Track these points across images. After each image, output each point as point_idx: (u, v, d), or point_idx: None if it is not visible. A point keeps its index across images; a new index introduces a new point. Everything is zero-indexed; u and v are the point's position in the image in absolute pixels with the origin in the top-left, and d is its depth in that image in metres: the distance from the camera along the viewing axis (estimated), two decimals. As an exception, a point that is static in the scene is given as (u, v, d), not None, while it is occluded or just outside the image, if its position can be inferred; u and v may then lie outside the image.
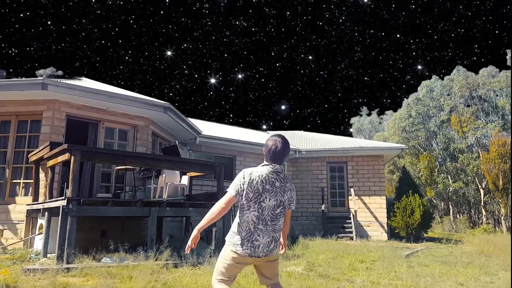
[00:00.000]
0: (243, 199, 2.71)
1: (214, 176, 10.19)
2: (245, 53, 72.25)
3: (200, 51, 68.38)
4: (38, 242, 7.69)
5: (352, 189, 15.49)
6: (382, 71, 69.37)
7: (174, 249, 7.08)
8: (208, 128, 15.34)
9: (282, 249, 3.00)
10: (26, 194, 8.86)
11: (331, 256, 8.08)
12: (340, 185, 16.32)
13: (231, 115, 68.12)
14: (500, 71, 30.53)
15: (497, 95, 29.36)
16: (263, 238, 2.73)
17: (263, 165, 2.83)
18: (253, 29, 68.30)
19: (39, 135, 8.87)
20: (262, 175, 2.75)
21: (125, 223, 8.90)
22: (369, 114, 47.27)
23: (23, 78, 8.83)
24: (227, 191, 2.77)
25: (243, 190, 2.71)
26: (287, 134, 20.93)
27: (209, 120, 22.30)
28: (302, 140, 18.60)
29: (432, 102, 32.49)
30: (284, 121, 66.86)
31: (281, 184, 2.80)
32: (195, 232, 2.76)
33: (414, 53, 66.37)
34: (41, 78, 8.72)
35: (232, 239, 2.77)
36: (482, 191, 27.73)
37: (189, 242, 2.78)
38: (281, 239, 2.96)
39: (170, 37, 67.98)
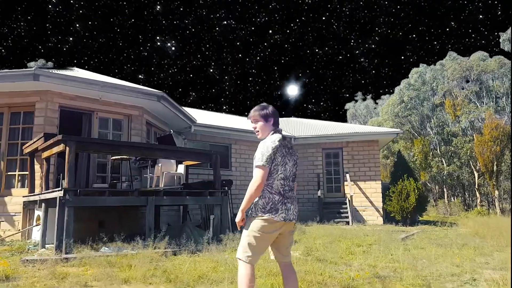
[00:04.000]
0: (273, 165, 2.83)
1: (210, 164, 10.21)
2: (237, 39, 71.74)
3: (195, 39, 67.84)
4: (36, 233, 7.71)
5: (347, 175, 15.65)
6: (378, 56, 69.24)
7: (172, 237, 7.12)
8: (202, 116, 15.30)
9: None
10: (22, 186, 8.85)
11: (328, 241, 8.17)
12: (336, 171, 16.43)
13: (224, 103, 67.96)
14: (490, 56, 30.77)
15: (491, 79, 29.49)
16: (291, 200, 2.89)
17: (272, 134, 2.98)
18: (246, 14, 67.78)
19: (32, 126, 8.82)
20: (281, 139, 2.90)
21: (123, 213, 8.93)
22: (364, 99, 47.35)
23: (14, 69, 8.73)
24: (257, 165, 2.79)
25: (274, 157, 2.82)
26: (281, 120, 20.93)
27: (203, 108, 22.20)
28: (297, 127, 18.65)
29: (423, 87, 32.71)
30: (280, 108, 66.72)
31: (290, 145, 3.04)
32: (240, 214, 2.82)
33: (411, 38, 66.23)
34: (33, 68, 8.65)
35: (264, 209, 2.80)
36: (476, 174, 28.02)
37: (238, 224, 2.85)
38: None
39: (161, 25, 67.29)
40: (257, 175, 2.77)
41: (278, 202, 2.81)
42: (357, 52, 70.50)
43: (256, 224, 2.80)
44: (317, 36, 70.66)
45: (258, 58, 73.12)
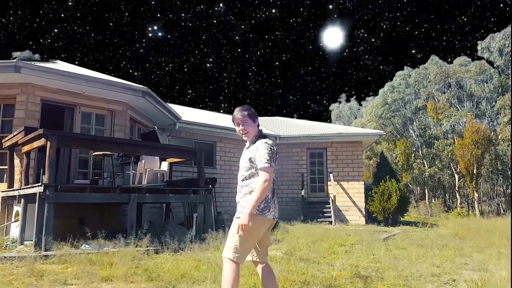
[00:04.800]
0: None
1: (195, 162, 10.17)
2: (222, 36, 71.48)
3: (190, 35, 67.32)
4: (15, 230, 7.56)
5: (331, 175, 15.79)
6: (361, 60, 69.82)
7: (155, 235, 7.06)
8: (187, 113, 15.21)
9: None
10: (0, 181, 8.65)
11: (311, 240, 8.22)
12: (320, 171, 16.57)
13: (209, 101, 67.70)
14: (472, 60, 31.50)
15: (472, 84, 30.06)
16: (276, 198, 2.96)
17: (261, 135, 3.03)
18: (229, 12, 67.55)
19: (12, 119, 8.62)
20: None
21: (104, 210, 8.81)
22: (348, 101, 47.98)
23: (-5, 61, 8.52)
24: (264, 166, 2.79)
25: (276, 157, 2.90)
26: (266, 120, 20.97)
27: (201, 108, 22.07)
28: (281, 126, 18.71)
29: (407, 89, 33.38)
30: (266, 107, 66.82)
31: None
32: (247, 217, 2.70)
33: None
34: (14, 60, 8.45)
35: (258, 207, 2.81)
36: (456, 176, 28.60)
37: (243, 226, 2.69)
38: None
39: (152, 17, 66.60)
40: (266, 175, 2.77)
41: (270, 201, 2.87)
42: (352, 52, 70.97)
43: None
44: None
45: (258, 55, 72.93)
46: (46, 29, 57.54)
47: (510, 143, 25.85)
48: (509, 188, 28.47)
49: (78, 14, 56.27)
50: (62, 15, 56.59)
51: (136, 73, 62.06)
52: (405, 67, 35.32)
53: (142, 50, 66.10)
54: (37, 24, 55.91)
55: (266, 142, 2.90)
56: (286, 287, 4.24)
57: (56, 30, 57.15)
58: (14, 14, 51.16)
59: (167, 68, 66.82)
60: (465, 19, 56.05)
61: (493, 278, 4.51)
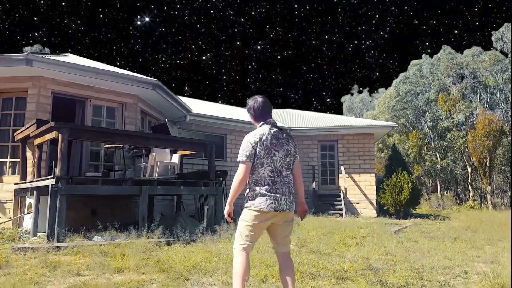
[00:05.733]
0: (256, 159, 2.90)
1: (205, 154, 10.19)
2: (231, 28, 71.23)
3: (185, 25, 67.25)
4: (28, 221, 7.68)
5: (342, 167, 15.74)
6: (376, 49, 69.09)
7: (166, 227, 7.12)
8: (198, 106, 15.24)
9: (305, 213, 3.19)
10: (13, 173, 8.79)
11: (322, 233, 8.22)
12: (331, 163, 16.51)
13: (219, 94, 67.66)
14: (484, 51, 30.76)
15: (488, 74, 29.45)
16: (283, 189, 2.93)
17: (260, 126, 3.04)
18: (228, 8, 67.20)
19: (24, 112, 8.73)
20: (266, 132, 2.95)
21: (116, 202, 8.91)
22: (360, 92, 47.40)
23: (7, 54, 8.61)
24: (239, 161, 2.93)
25: (254, 151, 2.90)
26: (277, 112, 20.92)
27: (199, 98, 22.10)
28: (292, 119, 18.64)
29: (421, 80, 32.82)
30: (276, 100, 66.62)
31: (283, 135, 3.05)
32: (227, 206, 2.99)
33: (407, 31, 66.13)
34: (25, 53, 8.54)
35: (253, 200, 2.91)
36: (469, 169, 28.20)
37: (226, 217, 3.01)
38: (302, 200, 3.25)
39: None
40: (239, 169, 2.92)
41: (267, 194, 2.88)
42: (362, 46, 70.28)
43: (247, 214, 2.94)
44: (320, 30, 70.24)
45: (258, 51, 72.66)
46: (38, 24, 57.75)
47: (510, 137, 25.19)
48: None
49: (70, 9, 56.39)
50: (51, 13, 56.65)
51: (133, 71, 62.17)
52: (424, 55, 34.71)
53: (138, 47, 66.17)
54: (30, 20, 56.09)
55: (247, 136, 2.98)
56: (297, 278, 4.25)
57: (46, 20, 57.21)
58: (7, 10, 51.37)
59: (163, 65, 66.82)
60: (473, 12, 54.93)
61: (505, 270, 4.48)
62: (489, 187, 26.16)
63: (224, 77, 68.52)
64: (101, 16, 62.77)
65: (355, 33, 69.63)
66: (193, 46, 69.49)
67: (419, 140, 29.67)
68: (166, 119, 11.34)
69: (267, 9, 67.11)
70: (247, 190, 2.98)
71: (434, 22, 63.24)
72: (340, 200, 15.19)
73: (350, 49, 70.17)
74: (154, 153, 8.71)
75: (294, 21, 68.83)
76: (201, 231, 7.03)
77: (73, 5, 57.11)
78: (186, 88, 66.06)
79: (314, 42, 71.01)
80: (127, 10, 64.19)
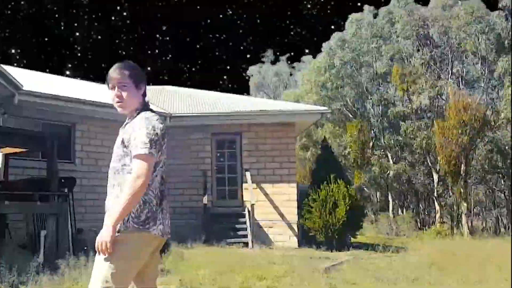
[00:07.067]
0: (158, 154, 2.72)
1: (44, 153, 9.87)
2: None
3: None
4: None
5: (248, 173, 15.31)
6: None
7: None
8: (34, 81, 14.50)
9: None
10: None
11: (217, 271, 8.19)
12: (231, 168, 16.46)
13: (69, 64, 64.99)
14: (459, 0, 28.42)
15: (465, 36, 26.99)
16: (167, 206, 2.84)
17: (146, 105, 2.90)
18: None
19: None
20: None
21: None
22: (275, 62, 45.64)
23: None
24: (139, 153, 2.62)
25: (161, 143, 2.73)
26: (152, 90, 20.51)
27: (36, 69, 20.96)
28: (175, 100, 18.45)
29: (365, 44, 31.15)
30: (159, 75, 65.68)
31: None
32: (111, 231, 2.54)
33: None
34: None
35: (138, 219, 2.65)
36: (435, 176, 27.57)
37: (103, 246, 2.53)
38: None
39: None
40: (142, 168, 2.60)
41: (157, 209, 2.73)
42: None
43: (125, 243, 2.63)
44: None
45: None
46: None
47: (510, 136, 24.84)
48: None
49: None
50: None
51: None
52: (367, 6, 32.74)
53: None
54: None
55: (147, 118, 2.75)
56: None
57: None
58: None
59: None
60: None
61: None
62: (464, 204, 25.21)
63: (76, 38, 65.80)
64: None
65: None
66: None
67: (362, 134, 28.90)
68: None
69: None
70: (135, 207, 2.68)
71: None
72: (245, 223, 14.77)
73: None
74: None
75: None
76: (35, 269, 6.81)
77: None
78: (16, 53, 62.01)
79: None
80: None
